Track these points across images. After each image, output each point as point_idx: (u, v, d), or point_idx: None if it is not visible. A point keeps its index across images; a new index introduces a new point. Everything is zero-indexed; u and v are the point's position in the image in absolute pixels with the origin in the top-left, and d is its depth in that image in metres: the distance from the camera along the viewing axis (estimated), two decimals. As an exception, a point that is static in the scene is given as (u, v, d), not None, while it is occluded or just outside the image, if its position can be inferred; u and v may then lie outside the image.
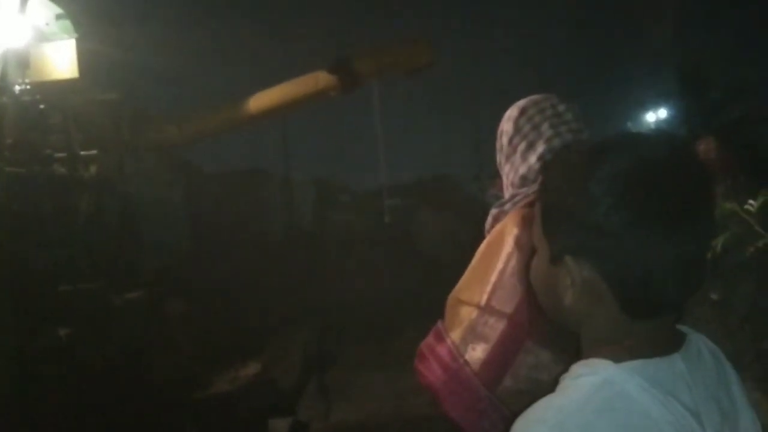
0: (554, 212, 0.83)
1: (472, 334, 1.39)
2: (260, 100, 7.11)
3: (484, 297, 1.38)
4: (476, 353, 1.38)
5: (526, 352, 1.30)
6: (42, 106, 5.29)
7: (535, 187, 1.41)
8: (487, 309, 1.38)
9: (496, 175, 1.68)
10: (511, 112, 1.51)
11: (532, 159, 1.44)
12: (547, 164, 0.90)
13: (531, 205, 1.39)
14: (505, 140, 1.51)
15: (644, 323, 0.80)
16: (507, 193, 1.50)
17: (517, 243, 1.32)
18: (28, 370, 3.61)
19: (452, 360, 1.40)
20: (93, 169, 5.67)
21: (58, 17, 5.44)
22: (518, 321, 1.31)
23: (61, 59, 5.37)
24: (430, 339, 1.48)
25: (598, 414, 0.73)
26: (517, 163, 1.47)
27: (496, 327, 1.36)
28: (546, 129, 1.45)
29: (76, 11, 5.56)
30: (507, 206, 1.46)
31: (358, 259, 12.03)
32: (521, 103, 1.52)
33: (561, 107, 1.48)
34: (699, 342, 0.85)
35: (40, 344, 3.79)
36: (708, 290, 3.50)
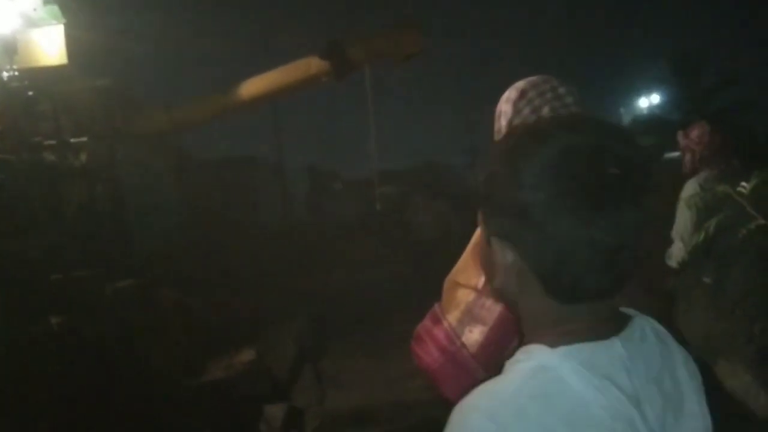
0: (485, 195, 0.84)
1: (469, 316, 1.39)
2: (252, 87, 7.05)
3: (481, 279, 1.38)
4: (473, 335, 1.38)
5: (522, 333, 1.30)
6: (30, 93, 5.22)
7: None
8: (484, 291, 1.38)
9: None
10: (510, 94, 1.49)
11: None
12: (491, 147, 0.90)
13: None
14: (503, 122, 1.49)
15: (575, 307, 0.80)
16: None
17: None
18: (19, 358, 3.59)
19: (449, 342, 1.40)
20: (83, 156, 5.61)
21: (46, 2, 5.36)
22: None
23: (49, 45, 5.30)
24: (426, 321, 1.48)
25: (531, 399, 0.73)
26: None
27: (493, 309, 1.36)
28: (546, 112, 1.43)
29: (63, -4, 5.48)
30: None
31: (350, 246, 12.03)
32: (520, 84, 1.50)
33: (561, 90, 1.46)
34: (644, 325, 0.84)
35: (31, 332, 3.77)
36: (701, 273, 3.52)
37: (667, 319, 1.55)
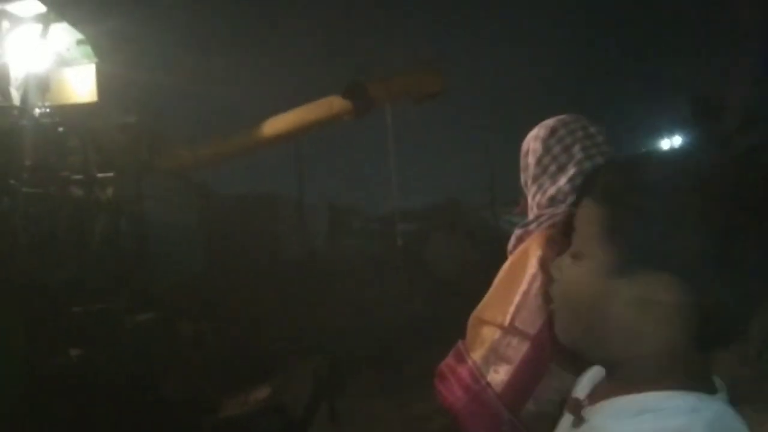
0: (629, 215, 0.71)
1: (495, 354, 1.36)
2: (275, 125, 7.18)
3: (508, 317, 1.35)
4: (499, 375, 1.34)
5: (549, 374, 1.27)
6: (61, 129, 5.36)
7: (562, 207, 1.39)
8: (510, 329, 1.35)
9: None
10: (539, 132, 1.49)
11: (562, 181, 1.41)
12: (606, 165, 0.84)
13: (556, 225, 1.38)
14: (532, 160, 1.48)
15: (701, 356, 0.73)
16: (532, 213, 1.47)
17: (542, 264, 1.30)
18: (39, 390, 3.60)
19: (474, 381, 1.37)
20: (109, 191, 5.72)
21: (79, 42, 5.56)
22: (542, 342, 1.28)
23: (80, 83, 5.47)
24: (450, 359, 1.45)
25: None
26: (545, 184, 1.44)
27: (519, 348, 1.33)
28: (577, 151, 1.42)
29: (96, 36, 5.68)
30: (532, 226, 1.44)
31: (369, 283, 11.99)
32: (550, 122, 1.49)
33: (592, 129, 1.46)
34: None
35: (51, 364, 3.79)
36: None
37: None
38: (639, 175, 0.73)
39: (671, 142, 25.59)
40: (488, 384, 1.35)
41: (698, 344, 0.71)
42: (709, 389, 0.72)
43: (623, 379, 0.75)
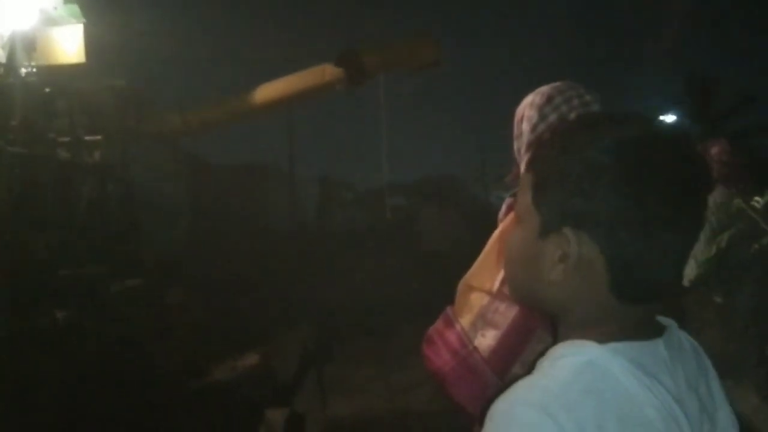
0: (553, 180, 0.78)
1: (483, 320, 1.37)
2: (267, 92, 7.09)
3: (496, 283, 1.36)
4: (486, 340, 1.36)
5: (536, 340, 1.28)
6: (47, 90, 5.27)
7: None
8: (498, 295, 1.36)
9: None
10: (535, 98, 1.47)
11: None
12: (546, 134, 0.87)
13: None
14: (526, 127, 1.46)
15: (630, 307, 0.77)
16: None
17: None
18: (22, 350, 3.59)
19: (461, 346, 1.38)
20: (96, 154, 5.65)
21: (67, 1, 5.44)
22: (529, 308, 1.29)
23: (68, 44, 5.36)
24: (438, 324, 1.46)
25: (583, 394, 0.71)
26: None
27: (507, 314, 1.34)
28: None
29: (84, -5, 5.55)
30: None
31: (359, 256, 12.02)
32: (545, 89, 1.47)
33: (588, 97, 1.44)
34: (680, 334, 0.84)
35: (35, 325, 3.77)
36: (712, 293, 3.48)
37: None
38: (562, 142, 0.78)
39: (665, 120, 25.61)
40: (475, 348, 1.36)
41: (621, 297, 0.76)
42: (636, 337, 0.76)
43: (563, 330, 0.82)
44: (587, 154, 0.74)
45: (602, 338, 0.75)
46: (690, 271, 3.51)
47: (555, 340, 0.83)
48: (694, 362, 0.82)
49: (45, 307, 3.98)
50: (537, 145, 0.85)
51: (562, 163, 0.77)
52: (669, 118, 24.82)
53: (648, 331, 0.78)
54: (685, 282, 3.55)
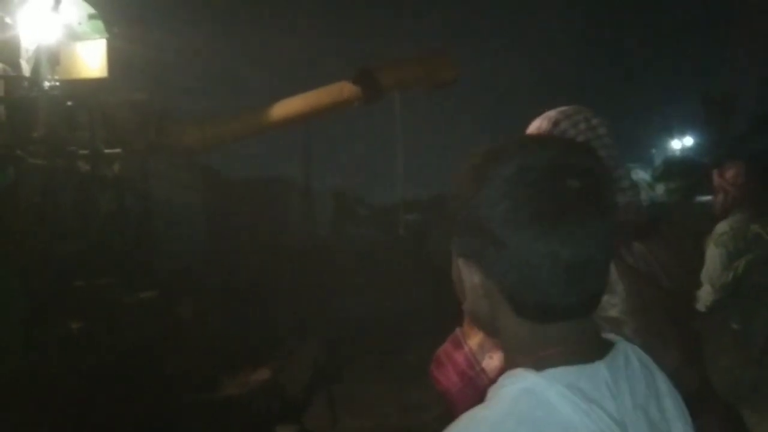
0: (451, 215, 0.83)
1: (490, 342, 1.38)
2: (284, 107, 7.17)
3: None
4: (494, 361, 1.36)
5: None
6: (69, 103, 5.37)
7: None
8: None
9: None
10: (542, 123, 1.48)
11: None
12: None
13: None
14: None
15: (550, 328, 0.78)
16: None
17: None
18: (37, 359, 3.63)
19: (469, 367, 1.38)
20: (115, 167, 5.73)
21: (90, 17, 5.55)
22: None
23: (91, 58, 5.46)
24: (447, 345, 1.46)
25: (519, 425, 0.71)
26: None
27: None
28: None
29: (108, 11, 5.67)
30: None
31: (372, 271, 12.01)
32: (552, 114, 1.48)
33: (594, 121, 1.45)
34: (628, 351, 0.82)
35: (51, 334, 3.81)
36: (729, 318, 3.43)
37: (695, 362, 1.51)
38: (454, 182, 0.84)
39: (682, 142, 25.46)
40: (483, 370, 1.37)
41: (532, 320, 0.78)
42: (573, 361, 0.76)
43: (506, 358, 0.84)
44: (467, 191, 0.79)
45: (539, 364, 0.76)
46: (706, 296, 3.47)
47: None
48: (643, 381, 0.80)
49: (61, 318, 4.02)
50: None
51: (453, 200, 0.83)
52: (686, 140, 24.71)
53: (587, 352, 0.78)
54: (702, 307, 3.51)
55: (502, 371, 1.34)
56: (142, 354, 4.68)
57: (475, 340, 1.42)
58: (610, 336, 0.83)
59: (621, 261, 1.37)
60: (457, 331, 1.48)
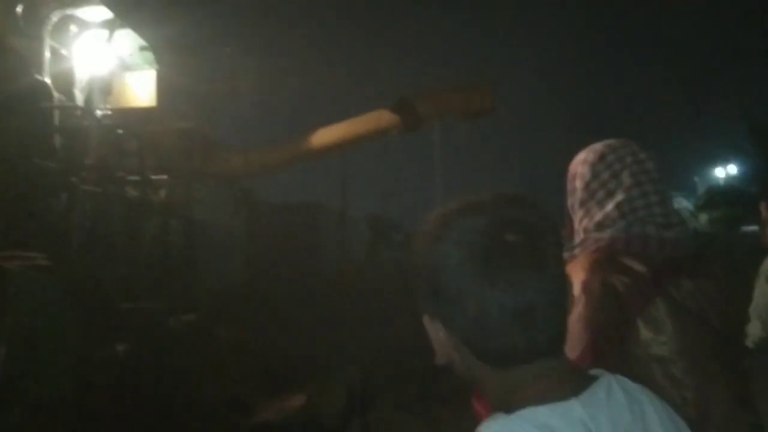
0: (414, 274, 0.89)
1: None
2: (324, 136, 7.29)
3: None
4: None
5: None
6: (120, 131, 5.56)
7: (608, 232, 1.38)
8: None
9: (563, 222, 1.63)
10: (588, 156, 1.47)
11: (610, 206, 1.39)
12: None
13: (601, 250, 1.37)
14: (579, 184, 1.46)
15: (514, 372, 0.81)
16: (577, 237, 1.45)
17: (585, 288, 1.29)
18: (84, 380, 3.72)
19: None
20: (162, 193, 5.88)
21: (142, 49, 5.78)
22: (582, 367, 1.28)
23: (141, 88, 5.68)
24: None
25: None
26: (593, 209, 1.42)
27: None
28: (626, 177, 1.40)
29: (158, 43, 5.89)
30: (576, 251, 1.42)
31: (407, 298, 11.95)
32: (599, 147, 1.47)
33: (642, 155, 1.43)
34: (611, 384, 0.82)
35: (98, 357, 3.91)
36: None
37: (748, 401, 1.47)
38: (414, 245, 0.90)
39: (726, 171, 24.83)
40: None
41: (496, 365, 0.82)
42: (544, 401, 0.78)
43: (489, 402, 0.87)
44: (424, 254, 0.85)
45: (511, 407, 0.78)
46: (756, 332, 3.37)
47: None
48: (629, 413, 0.80)
49: (107, 339, 4.12)
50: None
51: (414, 262, 0.89)
52: (730, 168, 24.08)
53: (560, 391, 0.79)
54: (750, 344, 3.41)
55: None
56: (182, 377, 4.75)
57: None
58: (595, 372, 0.85)
59: (669, 299, 1.35)
60: None
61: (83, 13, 5.18)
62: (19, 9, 4.73)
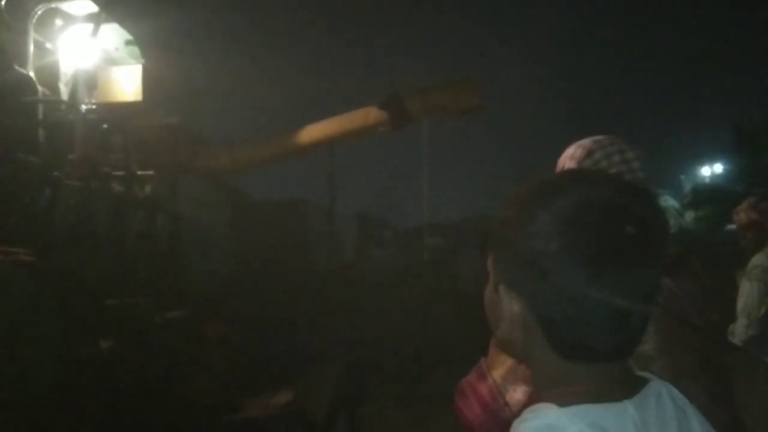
0: (497, 241, 0.84)
1: (514, 375, 1.37)
2: (312, 132, 7.28)
3: None
4: (517, 395, 1.36)
5: None
6: (105, 126, 5.51)
7: None
8: None
9: None
10: (575, 151, 1.48)
11: None
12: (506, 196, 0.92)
13: None
14: None
15: (584, 366, 0.77)
16: None
17: None
18: (69, 377, 3.69)
19: (492, 400, 1.38)
20: (147, 188, 5.84)
21: (127, 43, 5.72)
22: None
23: (127, 83, 5.61)
24: (471, 376, 1.46)
25: None
26: None
27: None
28: None
29: (143, 37, 5.84)
30: None
31: (396, 295, 11.97)
32: (587, 143, 1.48)
33: (629, 153, 1.45)
34: (661, 390, 0.81)
35: (82, 353, 3.88)
36: (763, 353, 3.37)
37: (725, 397, 1.49)
38: (507, 206, 0.84)
39: (711, 170, 25.07)
40: (506, 403, 1.36)
41: (566, 356, 0.78)
42: (599, 399, 0.75)
43: (533, 388, 0.84)
44: (520, 220, 0.78)
45: (564, 400, 0.75)
46: (743, 330, 3.41)
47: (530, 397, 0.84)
48: (676, 421, 0.79)
49: (91, 336, 4.09)
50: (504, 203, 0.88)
51: (503, 227, 0.82)
52: (716, 168, 24.32)
53: (616, 392, 0.77)
54: (737, 341, 3.44)
55: (525, 405, 1.34)
56: (168, 373, 4.72)
57: (499, 371, 1.42)
58: (645, 375, 0.83)
59: None
60: (482, 361, 1.47)
61: (68, 6, 5.12)
62: (2, 1, 4.67)
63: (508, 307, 0.81)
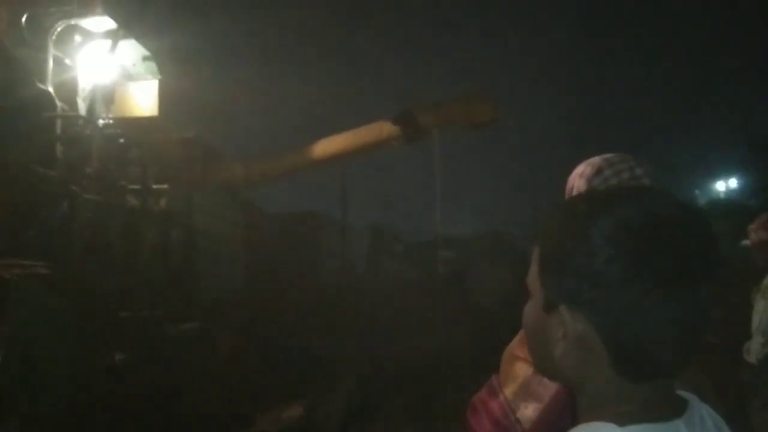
0: (553, 257, 0.80)
1: (526, 391, 1.37)
2: (325, 146, 7.32)
3: None
4: (528, 412, 1.35)
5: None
6: (122, 140, 5.58)
7: None
8: None
9: None
10: (585, 169, 1.48)
11: None
12: (549, 210, 0.90)
13: None
14: None
15: (640, 385, 0.77)
16: None
17: None
18: (83, 389, 3.72)
19: (503, 416, 1.38)
20: (162, 202, 5.90)
21: (145, 59, 5.81)
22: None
23: (143, 98, 5.70)
24: (483, 393, 1.46)
25: None
26: None
27: (550, 386, 1.33)
28: None
29: (161, 54, 5.93)
30: None
31: (408, 309, 11.93)
32: (596, 161, 1.48)
33: (638, 171, 1.44)
34: (702, 410, 0.81)
35: (96, 366, 3.91)
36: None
37: (739, 415, 1.49)
38: (563, 219, 0.81)
39: (726, 185, 24.85)
40: (518, 420, 1.36)
41: (625, 375, 0.76)
42: (655, 419, 0.75)
43: (581, 407, 0.82)
44: (583, 234, 0.75)
45: (620, 419, 0.74)
46: (759, 348, 3.37)
47: (575, 417, 0.83)
48: None
49: (105, 348, 4.12)
50: (545, 217, 0.85)
51: (561, 242, 0.78)
52: (731, 183, 24.09)
53: (667, 410, 0.77)
54: (753, 360, 3.40)
55: (536, 422, 1.34)
56: (180, 386, 4.74)
57: (511, 388, 1.41)
58: (683, 393, 0.82)
59: None
60: (493, 378, 1.47)
61: (87, 23, 5.22)
62: (23, 19, 4.77)
63: (570, 326, 0.77)
